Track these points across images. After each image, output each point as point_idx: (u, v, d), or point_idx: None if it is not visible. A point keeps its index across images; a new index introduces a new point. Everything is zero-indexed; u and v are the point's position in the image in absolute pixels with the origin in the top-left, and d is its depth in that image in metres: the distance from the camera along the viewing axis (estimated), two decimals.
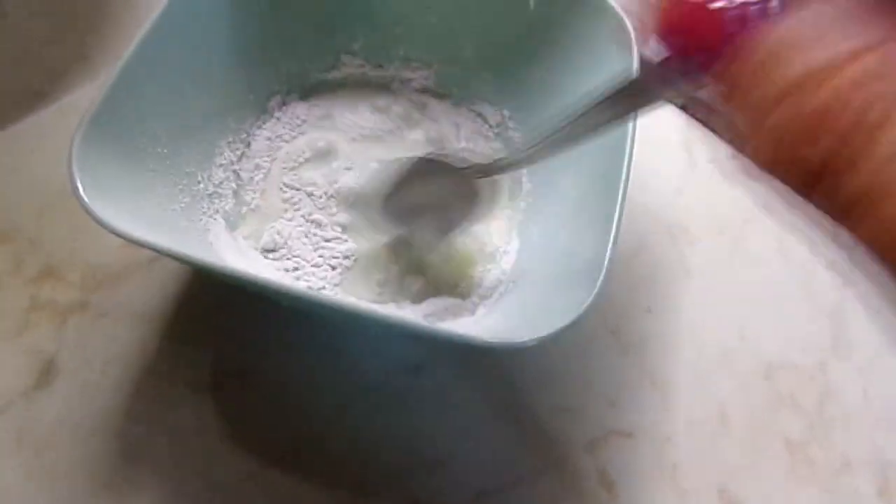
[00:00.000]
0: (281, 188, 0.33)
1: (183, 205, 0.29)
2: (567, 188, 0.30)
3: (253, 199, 0.33)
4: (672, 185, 0.38)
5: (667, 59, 0.13)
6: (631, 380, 0.32)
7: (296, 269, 0.31)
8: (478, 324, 0.28)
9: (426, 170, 0.30)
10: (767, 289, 0.35)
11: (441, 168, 0.30)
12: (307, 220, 0.33)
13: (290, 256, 0.32)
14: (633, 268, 0.35)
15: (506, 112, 0.35)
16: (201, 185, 0.31)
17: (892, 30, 0.10)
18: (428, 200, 0.31)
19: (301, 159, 0.34)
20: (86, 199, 0.22)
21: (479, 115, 0.35)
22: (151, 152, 0.28)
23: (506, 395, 0.31)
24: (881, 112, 0.09)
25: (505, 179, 0.32)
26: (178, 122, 0.30)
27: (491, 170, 0.28)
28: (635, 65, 0.29)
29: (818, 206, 0.10)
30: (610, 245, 0.24)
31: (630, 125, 0.27)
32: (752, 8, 0.12)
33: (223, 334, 0.30)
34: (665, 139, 0.39)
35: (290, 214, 0.33)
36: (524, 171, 0.33)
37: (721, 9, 0.12)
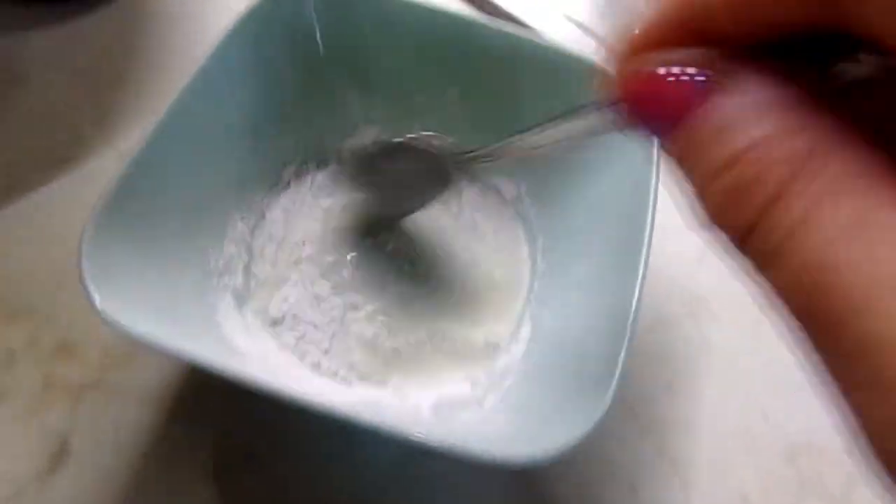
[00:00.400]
0: (291, 252, 0.33)
1: (193, 284, 0.29)
2: (582, 272, 0.30)
3: (262, 269, 0.33)
4: (693, 254, 0.37)
5: (625, 113, 0.15)
6: (650, 462, 0.31)
7: (300, 338, 0.31)
8: (487, 421, 0.27)
9: (401, 149, 0.32)
10: (791, 367, 0.34)
11: (415, 151, 0.31)
12: (313, 282, 0.33)
13: (295, 325, 0.31)
14: (652, 342, 0.34)
15: (522, 187, 0.34)
16: (212, 262, 0.30)
17: (806, 120, 0.12)
18: (399, 177, 0.32)
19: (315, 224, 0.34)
20: (99, 303, 0.22)
21: (495, 188, 0.35)
22: (163, 232, 0.28)
23: (522, 476, 0.30)
24: (780, 185, 0.12)
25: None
26: (193, 199, 0.30)
27: (463, 159, 0.29)
28: (655, 148, 0.28)
29: (749, 259, 0.13)
30: (623, 351, 0.23)
31: (649, 217, 0.27)
32: (699, 84, 0.14)
33: (232, 416, 0.30)
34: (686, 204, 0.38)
35: (295, 278, 0.33)
36: (539, 248, 0.33)
37: (674, 82, 0.14)
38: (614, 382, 0.23)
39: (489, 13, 0.45)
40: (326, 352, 0.31)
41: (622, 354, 0.24)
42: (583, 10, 0.45)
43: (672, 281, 0.36)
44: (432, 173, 0.31)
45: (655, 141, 0.28)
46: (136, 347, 0.31)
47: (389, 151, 0.32)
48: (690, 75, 0.14)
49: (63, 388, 0.30)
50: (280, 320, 0.32)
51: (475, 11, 0.44)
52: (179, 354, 0.23)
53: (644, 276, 0.25)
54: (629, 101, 0.14)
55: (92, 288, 0.23)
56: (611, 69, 0.15)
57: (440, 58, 0.33)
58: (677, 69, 0.14)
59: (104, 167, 0.36)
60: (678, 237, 0.37)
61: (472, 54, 0.33)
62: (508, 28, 0.33)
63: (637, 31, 0.15)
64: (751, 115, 0.13)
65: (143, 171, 0.27)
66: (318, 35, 0.33)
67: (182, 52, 0.41)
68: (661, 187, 0.28)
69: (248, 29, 0.30)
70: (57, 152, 0.36)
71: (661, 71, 0.14)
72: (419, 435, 0.21)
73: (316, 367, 0.30)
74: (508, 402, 0.27)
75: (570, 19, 0.45)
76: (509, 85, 0.33)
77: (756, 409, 0.33)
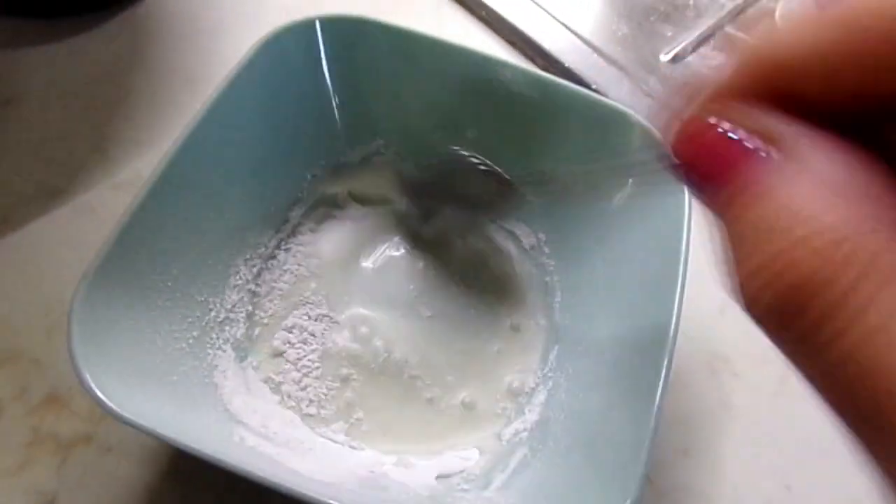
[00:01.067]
0: (298, 295, 0.32)
1: (191, 341, 0.27)
2: (603, 336, 0.28)
3: (267, 312, 0.31)
4: (713, 306, 0.35)
5: (676, 164, 0.14)
6: None
7: (299, 384, 0.30)
8: None
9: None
10: (815, 432, 0.32)
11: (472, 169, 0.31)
12: (320, 312, 0.31)
13: (294, 360, 0.30)
14: (668, 402, 0.32)
15: (541, 236, 0.32)
16: (213, 313, 0.29)
17: (876, 209, 0.11)
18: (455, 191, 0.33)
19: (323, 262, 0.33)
20: (91, 383, 0.21)
21: (512, 234, 0.33)
22: (161, 288, 0.26)
23: None
24: (867, 292, 0.11)
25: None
26: (193, 250, 0.28)
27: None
28: (686, 206, 0.27)
29: (792, 357, 0.12)
30: (647, 448, 0.22)
31: (679, 283, 0.25)
32: (764, 149, 0.12)
33: (232, 477, 0.28)
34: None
35: (301, 310, 0.31)
36: (557, 304, 0.31)
37: (738, 143, 0.13)
38: (640, 472, 0.22)
39: (507, 36, 0.43)
40: (327, 405, 0.29)
41: (647, 443, 0.22)
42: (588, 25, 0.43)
43: (690, 335, 0.34)
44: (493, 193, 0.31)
45: (690, 195, 0.27)
46: None
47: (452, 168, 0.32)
48: (758, 138, 0.12)
49: (51, 444, 0.28)
50: (281, 353, 0.30)
51: (496, 43, 0.43)
52: (172, 442, 0.21)
53: (671, 360, 0.24)
54: (680, 152, 0.14)
55: (83, 367, 0.21)
56: (666, 115, 0.14)
57: (457, 96, 0.32)
58: (745, 129, 0.13)
59: (100, 200, 0.34)
60: (697, 288, 0.35)
61: (492, 94, 0.31)
62: (530, 69, 0.31)
63: (707, 80, 0.14)
64: (819, 198, 0.11)
65: (141, 225, 0.25)
66: (325, 70, 0.32)
67: (186, 76, 0.39)
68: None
69: (256, 66, 0.29)
70: (50, 182, 0.35)
71: (725, 126, 0.13)
72: None
73: (318, 423, 0.29)
74: (517, 486, 0.26)
75: (575, 34, 0.42)
76: (529, 127, 0.31)
77: (779, 478, 0.31)
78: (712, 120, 0.13)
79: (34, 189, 0.34)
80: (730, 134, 0.13)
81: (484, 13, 0.43)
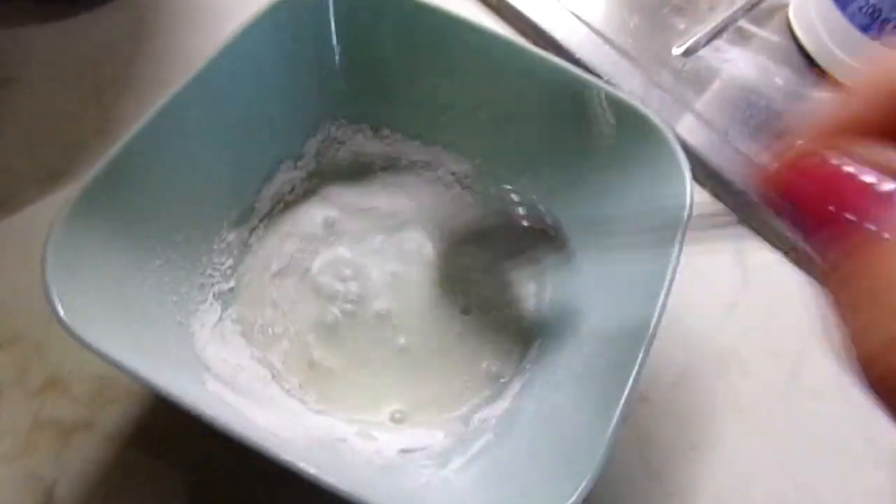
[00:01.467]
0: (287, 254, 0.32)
1: (172, 284, 0.27)
2: (584, 335, 0.28)
3: (252, 265, 0.31)
4: (723, 301, 0.35)
5: (784, 206, 0.12)
6: None
7: (282, 345, 0.29)
8: (448, 486, 0.25)
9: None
10: (825, 429, 0.32)
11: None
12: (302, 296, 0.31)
13: (273, 317, 0.30)
14: (677, 398, 0.32)
15: None
16: (199, 259, 0.29)
17: None
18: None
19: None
20: (64, 317, 0.21)
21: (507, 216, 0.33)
22: (148, 224, 0.26)
23: None
24: None
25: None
26: (182, 197, 0.28)
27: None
28: (687, 202, 0.26)
29: None
30: (607, 437, 0.22)
31: (660, 300, 0.24)
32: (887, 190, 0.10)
33: (237, 461, 0.28)
34: (715, 248, 0.36)
35: (286, 283, 0.31)
36: (547, 296, 0.31)
37: (854, 177, 0.11)
38: (593, 470, 0.21)
39: (519, 27, 0.42)
40: (302, 366, 0.29)
41: (606, 440, 0.22)
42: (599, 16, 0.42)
43: (699, 332, 0.34)
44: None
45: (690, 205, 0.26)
46: (130, 382, 0.29)
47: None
48: (879, 176, 0.11)
49: (52, 429, 0.28)
50: (270, 301, 0.30)
51: (508, 33, 0.42)
52: (135, 374, 0.21)
53: (643, 362, 0.23)
54: (786, 188, 0.12)
55: (55, 293, 0.21)
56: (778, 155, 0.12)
57: (471, 76, 0.31)
58: (864, 165, 0.11)
59: None
60: (705, 285, 0.35)
61: (508, 78, 0.31)
62: (545, 54, 0.30)
63: (825, 115, 0.12)
64: None
65: (134, 157, 0.25)
66: (334, 37, 0.31)
67: (190, 55, 0.38)
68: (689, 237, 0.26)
69: (261, 29, 0.29)
70: (52, 164, 0.34)
71: (847, 163, 0.11)
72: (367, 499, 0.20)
73: (287, 382, 0.29)
74: (476, 468, 0.25)
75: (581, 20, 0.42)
76: (540, 112, 0.31)
77: (787, 475, 0.31)
78: (831, 156, 0.11)
79: (35, 170, 0.34)
80: (851, 171, 0.11)
81: (495, 2, 0.43)
